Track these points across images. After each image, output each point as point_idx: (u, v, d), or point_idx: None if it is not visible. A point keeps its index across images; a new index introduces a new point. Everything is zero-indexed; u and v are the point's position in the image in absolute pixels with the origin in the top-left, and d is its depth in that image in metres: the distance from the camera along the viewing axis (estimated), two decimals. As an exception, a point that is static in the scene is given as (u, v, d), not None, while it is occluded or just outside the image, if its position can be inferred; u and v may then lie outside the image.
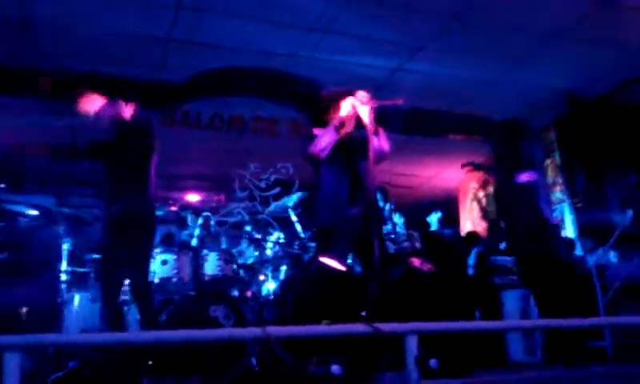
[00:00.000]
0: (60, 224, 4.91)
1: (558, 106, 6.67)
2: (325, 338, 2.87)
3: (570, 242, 6.14)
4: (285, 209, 5.30)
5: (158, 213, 4.78)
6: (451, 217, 7.22)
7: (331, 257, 3.43)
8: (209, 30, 5.12)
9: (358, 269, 3.78)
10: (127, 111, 3.92)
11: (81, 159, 4.14)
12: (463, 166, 7.09)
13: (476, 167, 7.38)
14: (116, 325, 3.62)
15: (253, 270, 4.96)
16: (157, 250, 4.38)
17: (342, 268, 3.45)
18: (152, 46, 5.30)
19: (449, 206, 7.99)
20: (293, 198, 5.32)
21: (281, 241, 5.21)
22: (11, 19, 4.77)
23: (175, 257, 4.41)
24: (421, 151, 7.73)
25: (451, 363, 2.83)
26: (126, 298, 4.26)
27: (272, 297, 4.78)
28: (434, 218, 6.36)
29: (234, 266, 4.67)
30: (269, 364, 3.50)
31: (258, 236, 5.23)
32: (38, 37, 5.04)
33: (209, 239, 5.02)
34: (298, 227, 5.23)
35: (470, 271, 5.61)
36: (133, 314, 4.08)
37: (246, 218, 5.36)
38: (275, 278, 5.09)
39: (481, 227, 8.26)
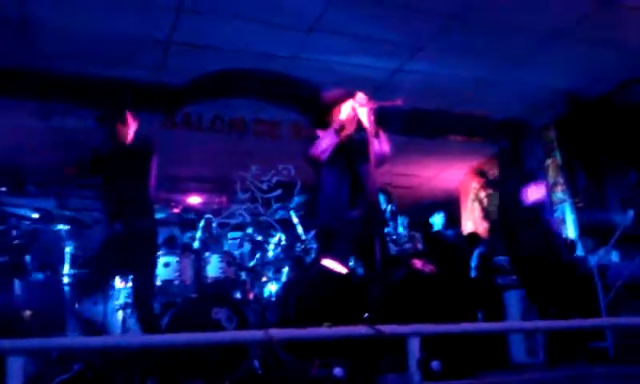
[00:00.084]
0: (61, 226, 4.92)
1: (558, 105, 6.67)
2: (327, 341, 2.87)
3: (571, 243, 6.14)
4: (286, 211, 5.30)
5: (161, 215, 4.80)
6: (453, 217, 7.23)
7: (333, 259, 3.44)
8: (209, 33, 5.12)
9: (359, 271, 3.79)
10: (130, 131, 3.91)
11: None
12: (474, 172, 7.09)
13: (482, 175, 7.40)
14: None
15: (255, 272, 4.96)
16: (159, 253, 4.38)
17: (344, 270, 3.46)
18: (153, 48, 5.31)
19: (449, 206, 8.00)
20: (294, 200, 5.33)
21: (282, 243, 5.22)
22: (11, 20, 4.77)
23: (177, 259, 4.41)
24: (421, 152, 7.74)
25: (453, 365, 2.83)
26: (128, 301, 4.29)
27: (274, 299, 4.78)
28: (437, 219, 6.37)
29: (236, 268, 4.67)
30: (271, 366, 3.51)
31: (260, 238, 5.24)
32: (38, 38, 5.05)
33: (211, 241, 5.03)
34: (300, 229, 5.24)
35: (473, 273, 5.61)
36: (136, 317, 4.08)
37: (248, 219, 5.36)
38: (277, 280, 5.10)
39: (482, 228, 8.26)
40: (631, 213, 4.97)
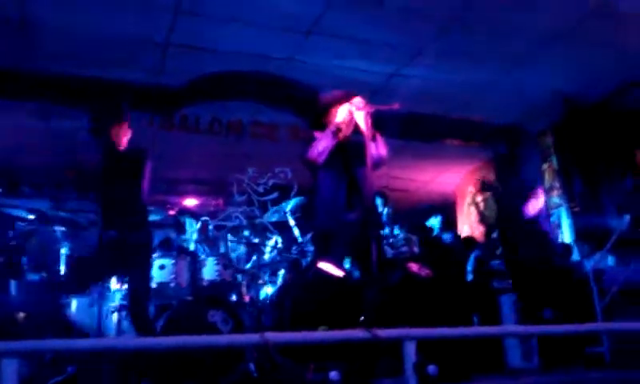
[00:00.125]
0: (57, 227, 4.90)
1: (555, 111, 6.69)
2: (323, 344, 2.87)
3: (567, 247, 6.15)
4: (283, 213, 5.30)
5: (156, 217, 4.78)
6: (450, 221, 7.24)
7: (329, 262, 3.43)
8: (207, 35, 5.13)
9: (356, 274, 3.78)
10: (125, 139, 3.91)
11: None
12: (477, 182, 7.11)
13: (483, 185, 7.43)
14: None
15: (251, 274, 4.95)
16: (155, 255, 4.37)
17: (340, 273, 3.45)
18: (150, 50, 5.31)
19: (446, 209, 8.01)
20: (291, 203, 5.32)
21: (279, 245, 5.20)
22: (11, 20, 4.77)
23: (173, 261, 4.39)
24: (418, 155, 7.75)
25: (449, 369, 2.83)
26: (123, 303, 4.27)
27: (270, 302, 4.77)
28: (435, 222, 6.37)
29: (232, 271, 4.66)
30: (267, 370, 3.50)
31: (256, 240, 5.23)
32: (38, 38, 5.04)
33: (207, 244, 5.01)
34: (296, 232, 5.23)
35: (469, 276, 5.61)
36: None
37: (244, 222, 5.35)
38: (273, 282, 5.09)
39: (478, 231, 8.27)
40: (627, 217, 4.97)
